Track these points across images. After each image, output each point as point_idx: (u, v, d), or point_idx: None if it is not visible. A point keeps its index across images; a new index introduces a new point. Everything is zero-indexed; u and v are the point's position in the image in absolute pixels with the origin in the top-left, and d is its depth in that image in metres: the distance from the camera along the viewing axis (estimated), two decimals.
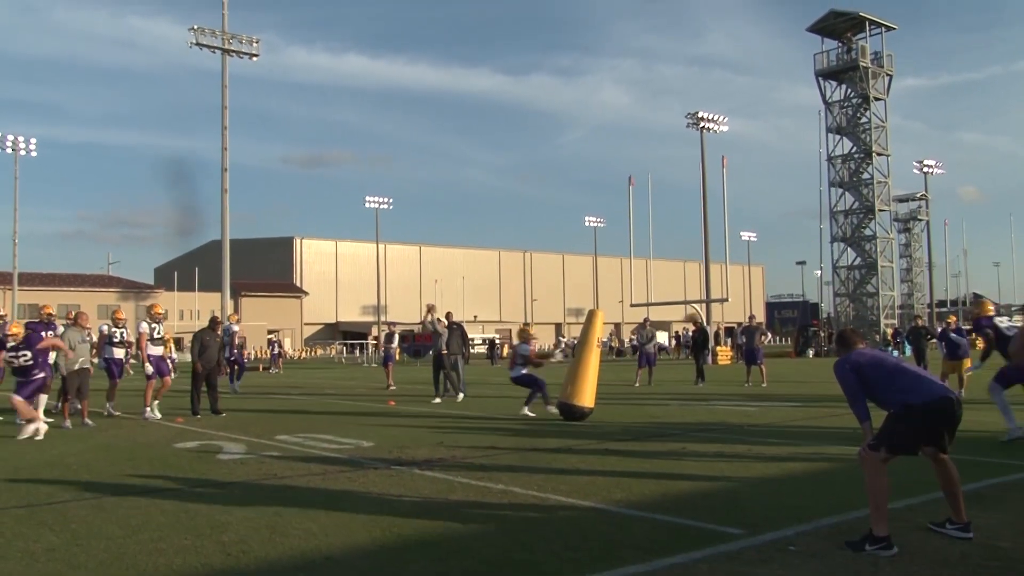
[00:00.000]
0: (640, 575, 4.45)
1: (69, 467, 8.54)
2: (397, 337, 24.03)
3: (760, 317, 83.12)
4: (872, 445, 5.02)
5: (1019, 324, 10.23)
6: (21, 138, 51.87)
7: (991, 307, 11.37)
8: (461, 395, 16.91)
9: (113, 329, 14.26)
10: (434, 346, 17.70)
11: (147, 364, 13.74)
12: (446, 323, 17.71)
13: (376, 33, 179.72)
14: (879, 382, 5.18)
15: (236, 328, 21.47)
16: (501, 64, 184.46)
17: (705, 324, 25.34)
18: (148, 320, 14.20)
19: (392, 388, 21.37)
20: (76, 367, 12.58)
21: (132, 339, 14.85)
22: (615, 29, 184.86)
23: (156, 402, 13.69)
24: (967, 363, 16.29)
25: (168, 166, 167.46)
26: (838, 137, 55.32)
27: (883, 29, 55.46)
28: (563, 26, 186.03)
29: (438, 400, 16.58)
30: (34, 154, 52.48)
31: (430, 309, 18.10)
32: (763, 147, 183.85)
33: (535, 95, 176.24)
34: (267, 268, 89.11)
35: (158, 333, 14.10)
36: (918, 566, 4.54)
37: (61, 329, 13.56)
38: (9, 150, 51.51)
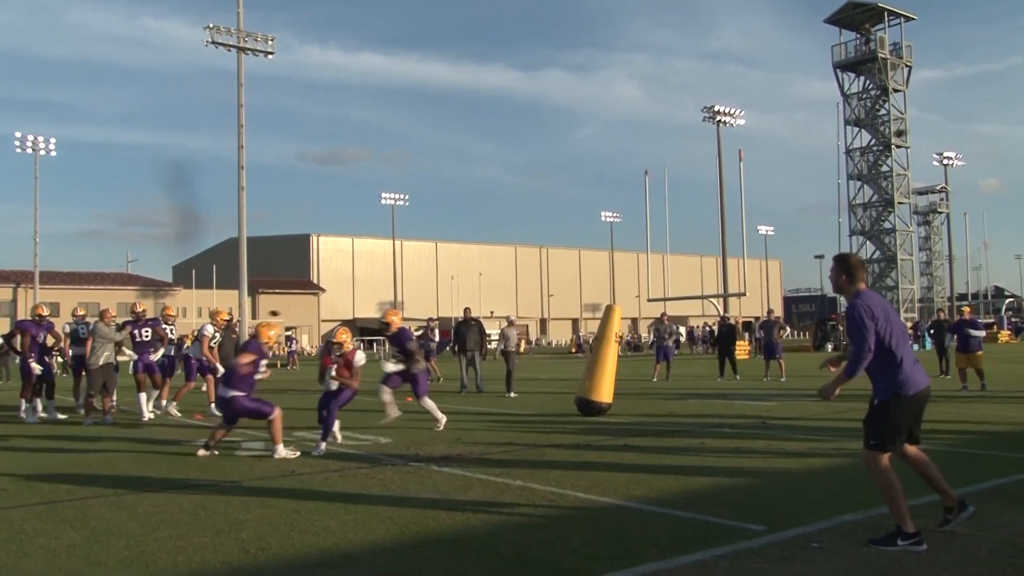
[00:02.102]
0: (661, 572, 4.41)
1: (89, 464, 8.58)
2: (437, 332, 24.45)
3: (778, 311, 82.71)
4: (873, 445, 4.87)
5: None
6: (40, 138, 52.40)
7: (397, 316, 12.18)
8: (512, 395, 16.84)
9: (164, 326, 14.19)
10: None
11: (209, 375, 13.79)
12: (511, 321, 18.74)
13: (389, 31, 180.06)
14: (884, 351, 4.82)
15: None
16: (514, 61, 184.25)
17: (729, 319, 25.14)
18: (214, 325, 14.13)
19: (439, 379, 21.77)
20: (101, 363, 12.65)
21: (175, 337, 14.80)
22: (628, 25, 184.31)
23: (175, 402, 13.73)
24: (981, 356, 16.15)
25: (184, 165, 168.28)
26: (856, 129, 54.94)
27: (902, 19, 55.01)
28: (575, 22, 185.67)
29: (512, 395, 16.68)
30: (53, 154, 53.02)
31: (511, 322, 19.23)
32: (779, 141, 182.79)
33: (549, 91, 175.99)
34: (284, 265, 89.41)
35: (215, 341, 14.02)
36: (945, 563, 4.47)
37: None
38: (29, 150, 52.03)
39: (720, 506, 5.94)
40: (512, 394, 16.73)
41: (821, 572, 4.37)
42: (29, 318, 13.79)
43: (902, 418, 4.86)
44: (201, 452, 8.94)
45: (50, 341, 13.56)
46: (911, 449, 5.05)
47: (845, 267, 5.05)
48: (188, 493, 6.88)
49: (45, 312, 13.77)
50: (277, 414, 8.78)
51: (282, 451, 8.63)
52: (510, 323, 19.13)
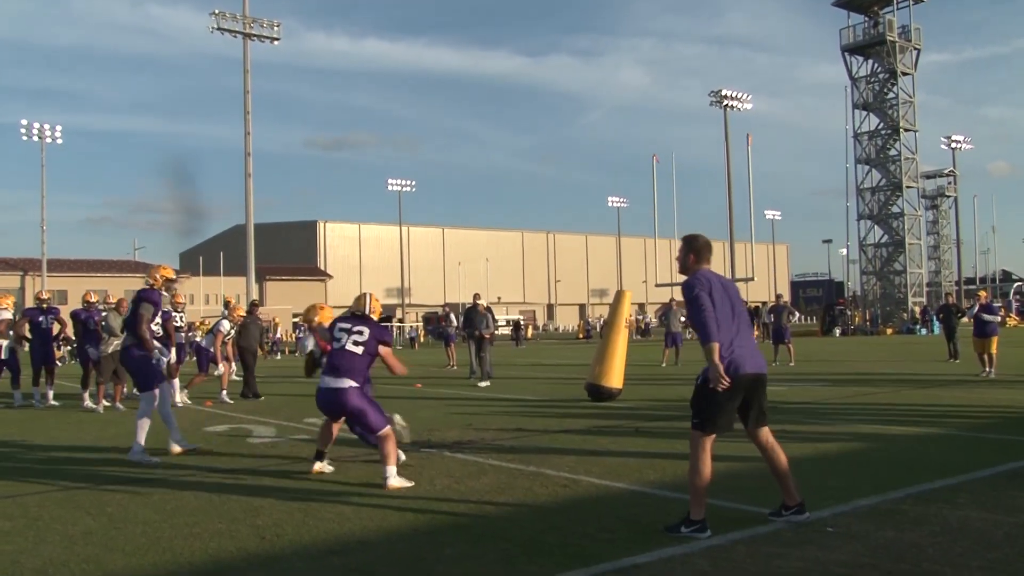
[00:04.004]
0: (678, 557, 4.40)
1: (103, 451, 8.61)
2: (453, 318, 24.60)
3: (786, 296, 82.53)
4: (695, 424, 4.87)
5: None
6: (47, 126, 52.38)
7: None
8: (484, 382, 16.61)
9: (174, 313, 14.20)
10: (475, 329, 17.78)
11: (222, 363, 13.88)
12: (486, 305, 18.00)
13: (395, 17, 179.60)
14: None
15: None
16: (520, 46, 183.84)
17: (748, 304, 25.10)
18: (231, 321, 14.17)
19: (454, 368, 21.94)
20: (110, 351, 12.70)
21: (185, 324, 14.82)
22: (633, 9, 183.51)
23: (187, 390, 13.78)
24: (995, 341, 16.07)
25: (190, 153, 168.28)
26: (864, 113, 54.54)
27: (911, 1, 54.46)
28: (581, 7, 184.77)
29: (484, 384, 16.36)
30: (60, 142, 53.00)
31: (476, 297, 18.44)
32: (786, 126, 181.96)
33: (554, 76, 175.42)
34: (291, 252, 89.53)
35: (228, 337, 14.09)
36: (962, 548, 4.45)
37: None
38: (36, 138, 52.03)
39: (734, 491, 5.93)
40: (484, 383, 16.33)
41: (837, 556, 4.36)
42: (80, 306, 13.83)
43: (723, 398, 4.83)
44: (317, 467, 7.03)
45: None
46: (766, 438, 5.08)
47: (693, 247, 5.14)
48: (202, 480, 6.90)
49: (93, 299, 13.84)
50: (389, 431, 6.66)
51: (395, 476, 6.42)
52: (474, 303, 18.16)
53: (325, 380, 6.72)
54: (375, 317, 7.05)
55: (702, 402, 4.87)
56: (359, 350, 6.70)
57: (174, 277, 8.84)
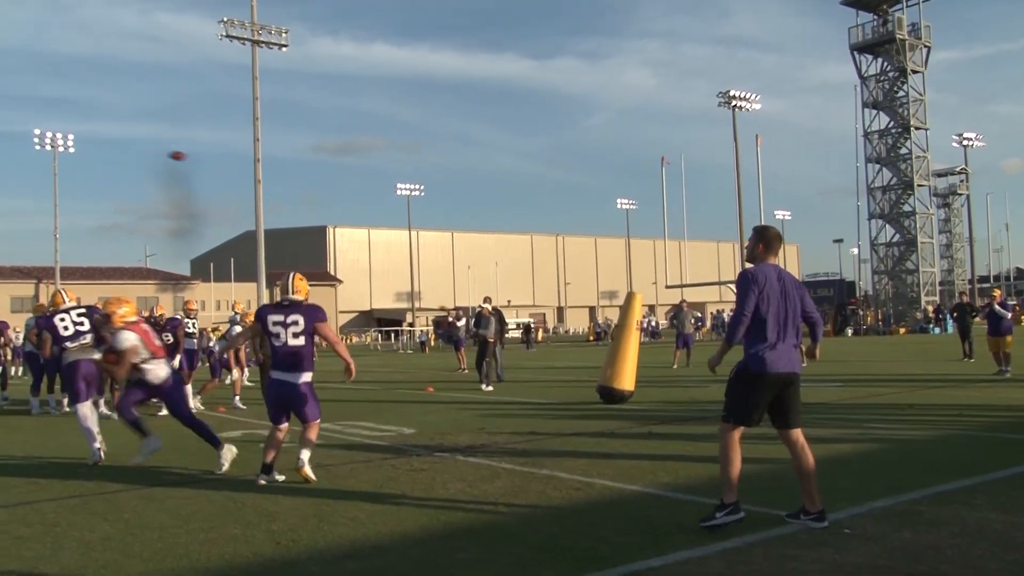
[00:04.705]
0: (694, 559, 4.40)
1: (117, 457, 8.64)
2: (464, 320, 24.56)
3: None
4: (723, 415, 5.05)
5: None
6: (59, 135, 52.73)
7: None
8: (487, 387, 16.39)
9: (186, 320, 14.22)
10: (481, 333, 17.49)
11: (235, 369, 13.91)
12: (490, 308, 17.75)
13: (400, 21, 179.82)
14: (755, 322, 4.96)
15: None
16: (525, 49, 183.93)
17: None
18: (242, 327, 14.21)
19: (464, 371, 21.81)
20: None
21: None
22: (638, 11, 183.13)
23: (199, 396, 13.82)
24: (1010, 340, 15.96)
25: (200, 159, 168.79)
26: (874, 112, 54.34)
27: None
28: (586, 9, 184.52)
29: (488, 388, 16.21)
30: (72, 150, 53.37)
31: (486, 300, 18.22)
32: (794, 126, 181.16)
33: (561, 79, 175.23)
34: (301, 257, 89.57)
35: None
36: (982, 550, 4.43)
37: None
38: (48, 147, 52.40)
39: (749, 493, 5.88)
40: (487, 387, 16.18)
41: (854, 559, 4.34)
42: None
43: (747, 394, 4.95)
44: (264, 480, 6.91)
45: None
46: (797, 438, 5.12)
47: (764, 237, 5.20)
48: (216, 485, 6.92)
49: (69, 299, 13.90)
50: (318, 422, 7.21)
51: (308, 463, 6.83)
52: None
53: (276, 374, 6.90)
54: (302, 297, 7.07)
55: (730, 395, 5.02)
56: (302, 340, 6.82)
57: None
